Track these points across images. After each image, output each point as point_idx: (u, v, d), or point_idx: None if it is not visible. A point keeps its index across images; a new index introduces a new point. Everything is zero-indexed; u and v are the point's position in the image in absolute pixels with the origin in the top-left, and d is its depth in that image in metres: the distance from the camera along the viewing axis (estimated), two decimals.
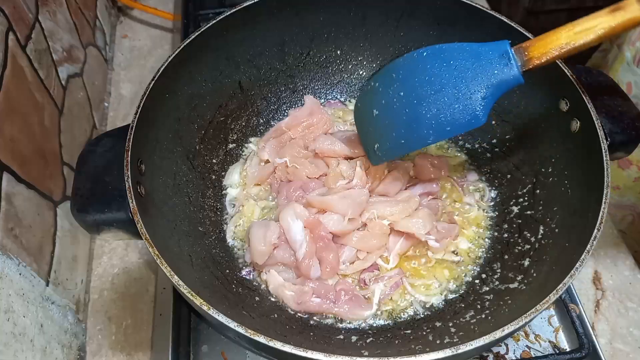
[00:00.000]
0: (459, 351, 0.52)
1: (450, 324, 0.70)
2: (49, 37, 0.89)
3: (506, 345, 0.77)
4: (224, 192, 0.89)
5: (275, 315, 0.74)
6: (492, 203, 0.87)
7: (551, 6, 1.82)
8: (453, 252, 0.82)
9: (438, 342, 0.65)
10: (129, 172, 0.62)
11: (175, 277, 0.57)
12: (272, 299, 0.77)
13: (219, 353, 0.76)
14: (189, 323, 0.77)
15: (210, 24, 0.80)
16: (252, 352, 0.76)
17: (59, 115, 0.88)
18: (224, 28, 0.82)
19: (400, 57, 0.66)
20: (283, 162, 0.86)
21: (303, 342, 0.67)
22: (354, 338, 0.72)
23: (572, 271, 0.57)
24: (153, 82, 0.72)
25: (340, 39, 0.95)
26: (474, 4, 0.82)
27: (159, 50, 1.28)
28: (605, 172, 0.63)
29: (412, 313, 0.76)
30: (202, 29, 0.79)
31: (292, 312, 0.76)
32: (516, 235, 0.80)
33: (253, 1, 0.82)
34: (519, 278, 0.72)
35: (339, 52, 0.97)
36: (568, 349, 0.77)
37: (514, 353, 0.77)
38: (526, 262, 0.74)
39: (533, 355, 0.76)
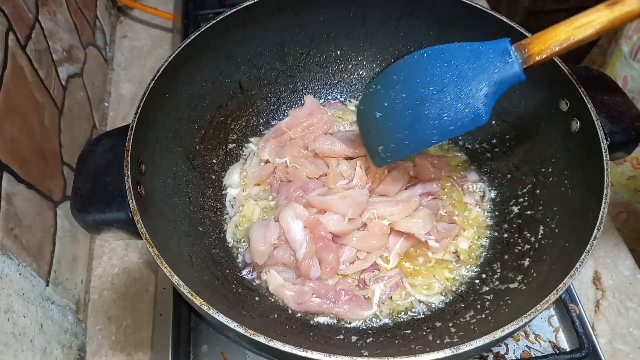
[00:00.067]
0: (459, 351, 0.52)
1: (450, 324, 0.70)
2: (49, 37, 0.89)
3: (506, 345, 0.77)
4: (224, 192, 0.89)
5: (275, 315, 0.74)
6: (492, 203, 0.87)
7: (551, 6, 1.82)
8: (453, 252, 0.82)
9: (438, 342, 0.65)
10: (129, 172, 0.62)
11: (175, 277, 0.57)
12: (272, 299, 0.77)
13: (219, 353, 0.76)
14: (189, 323, 0.77)
15: (210, 24, 0.80)
16: (252, 352, 0.76)
17: (59, 115, 0.88)
18: (224, 28, 0.82)
19: (400, 59, 0.66)
20: (283, 162, 0.86)
21: (303, 342, 0.67)
22: (354, 338, 0.72)
23: (572, 271, 0.57)
24: (153, 82, 0.72)
25: (340, 39, 0.95)
26: (474, 4, 0.82)
27: (159, 50, 1.28)
28: (605, 172, 0.63)
29: (412, 313, 0.76)
30: (202, 29, 0.79)
31: (292, 312, 0.76)
32: (516, 235, 0.80)
33: (253, 1, 0.82)
34: (519, 278, 0.72)
35: (339, 52, 0.97)
36: (568, 349, 0.77)
37: (514, 353, 0.77)
38: (526, 262, 0.74)
39: (533, 355, 0.76)
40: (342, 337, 0.72)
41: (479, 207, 0.87)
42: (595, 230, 0.60)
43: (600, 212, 0.61)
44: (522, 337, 0.78)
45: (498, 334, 0.53)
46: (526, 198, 0.82)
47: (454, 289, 0.79)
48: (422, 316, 0.76)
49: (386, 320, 0.76)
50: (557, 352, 0.76)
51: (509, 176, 0.87)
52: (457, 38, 0.64)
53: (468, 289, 0.78)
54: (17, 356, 0.62)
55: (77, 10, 1.06)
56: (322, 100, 1.00)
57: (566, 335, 0.78)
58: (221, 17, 0.81)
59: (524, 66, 0.59)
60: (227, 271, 0.78)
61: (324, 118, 0.92)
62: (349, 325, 0.75)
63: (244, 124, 0.95)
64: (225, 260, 0.80)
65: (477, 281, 0.78)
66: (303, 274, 0.76)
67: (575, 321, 0.76)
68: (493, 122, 0.89)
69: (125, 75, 1.23)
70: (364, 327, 0.75)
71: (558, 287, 0.56)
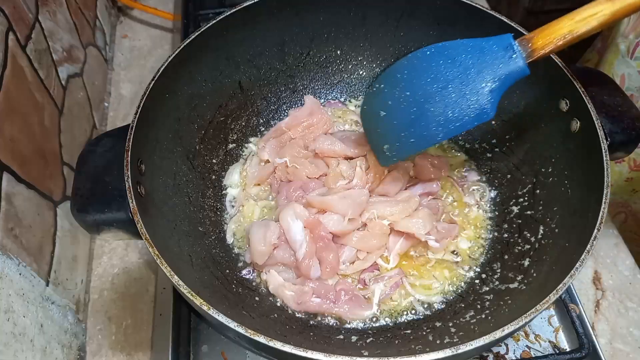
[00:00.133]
0: (459, 351, 0.52)
1: (450, 324, 0.70)
2: (49, 37, 0.89)
3: (506, 345, 0.77)
4: (224, 192, 0.89)
5: (275, 315, 0.74)
6: (492, 203, 0.87)
7: (551, 6, 1.82)
8: (453, 252, 0.82)
9: (438, 342, 0.65)
10: (129, 172, 0.62)
11: (175, 277, 0.57)
12: (272, 299, 0.77)
13: (219, 353, 0.76)
14: (189, 323, 0.77)
15: (210, 24, 0.80)
16: (252, 352, 0.76)
17: (59, 115, 0.88)
18: (224, 28, 0.82)
19: (403, 57, 0.66)
20: (283, 162, 0.86)
21: (303, 342, 0.67)
22: (354, 338, 0.72)
23: (572, 271, 0.57)
24: (153, 82, 0.72)
25: (340, 39, 0.95)
26: (474, 4, 0.82)
27: (159, 50, 1.28)
28: (605, 172, 0.63)
29: (412, 313, 0.76)
30: (202, 29, 0.79)
31: (292, 312, 0.76)
32: (516, 235, 0.80)
33: (253, 1, 0.82)
34: (519, 278, 0.72)
35: (339, 52, 0.97)
36: (568, 349, 0.77)
37: (514, 353, 0.77)
38: (526, 262, 0.74)
39: (533, 355, 0.76)
40: (342, 337, 0.72)
41: (479, 207, 0.87)
42: (595, 230, 0.60)
43: (600, 212, 0.61)
44: (522, 337, 0.78)
45: (498, 334, 0.53)
46: (526, 198, 0.82)
47: (453, 289, 0.79)
48: (422, 316, 0.76)
49: (386, 320, 0.76)
50: (557, 352, 0.76)
51: (509, 176, 0.87)
52: (457, 38, 0.64)
53: (468, 289, 0.78)
54: (17, 356, 0.62)
55: (77, 10, 1.06)
56: (322, 100, 1.00)
57: (566, 335, 0.78)
58: (221, 17, 0.81)
59: (528, 60, 0.59)
60: (227, 271, 0.78)
61: (324, 118, 0.92)
62: (349, 325, 0.75)
63: (244, 124, 0.95)
64: (225, 260, 0.80)
65: (477, 281, 0.78)
66: (303, 274, 0.76)
67: (575, 321, 0.76)
68: (493, 122, 0.89)
69: (125, 75, 1.23)
70: (364, 327, 0.75)
71: (558, 287, 0.56)
